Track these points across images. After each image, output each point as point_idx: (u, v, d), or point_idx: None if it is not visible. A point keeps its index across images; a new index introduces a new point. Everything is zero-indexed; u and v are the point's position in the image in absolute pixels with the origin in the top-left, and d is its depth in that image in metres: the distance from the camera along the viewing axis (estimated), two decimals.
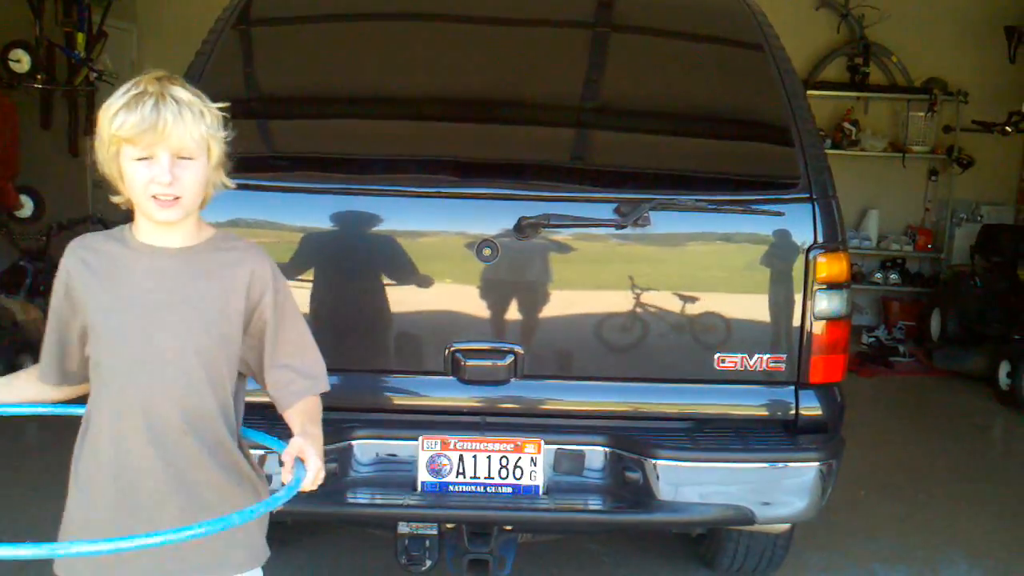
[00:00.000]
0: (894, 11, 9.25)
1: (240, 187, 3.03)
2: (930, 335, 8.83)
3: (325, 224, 3.08)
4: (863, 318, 9.56)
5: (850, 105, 9.68)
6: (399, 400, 3.18)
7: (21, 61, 7.12)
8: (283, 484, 1.96)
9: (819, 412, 3.19)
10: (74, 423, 2.20)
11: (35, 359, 6.43)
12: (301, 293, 3.09)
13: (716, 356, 3.14)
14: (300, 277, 3.09)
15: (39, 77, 7.40)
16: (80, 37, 7.89)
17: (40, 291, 6.97)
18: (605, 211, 3.03)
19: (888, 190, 9.80)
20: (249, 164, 3.19)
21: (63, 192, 8.34)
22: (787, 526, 3.60)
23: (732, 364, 3.14)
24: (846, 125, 9.56)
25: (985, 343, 7.94)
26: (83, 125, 8.35)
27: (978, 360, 7.82)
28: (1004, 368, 7.32)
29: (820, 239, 3.09)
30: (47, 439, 5.74)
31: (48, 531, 2.24)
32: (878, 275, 9.69)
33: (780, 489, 3.13)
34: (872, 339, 8.96)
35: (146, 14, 9.61)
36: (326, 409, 3.13)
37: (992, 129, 8.88)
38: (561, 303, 3.12)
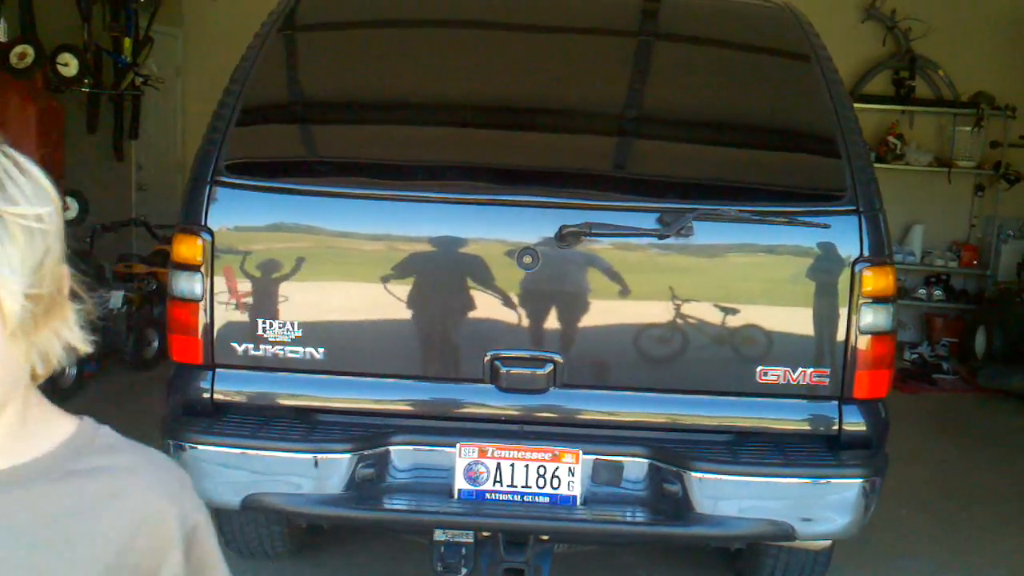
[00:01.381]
0: (941, 24, 9.14)
1: (283, 191, 3.10)
2: (974, 353, 8.69)
3: (366, 229, 3.09)
4: (906, 334, 9.43)
5: (895, 119, 9.57)
6: (437, 407, 3.17)
7: (69, 65, 7.20)
8: None
9: (863, 428, 3.14)
10: None
11: (77, 359, 6.57)
12: (344, 297, 3.11)
13: (758, 369, 3.10)
14: (343, 281, 3.10)
15: (86, 81, 7.49)
16: (127, 42, 7.98)
17: None
18: (647, 220, 3.00)
19: (933, 205, 9.67)
20: (292, 169, 3.23)
21: (108, 195, 8.44)
22: (827, 543, 3.55)
23: (775, 377, 3.10)
24: (891, 139, 9.45)
25: None
26: (128, 130, 8.46)
27: (1023, 379, 7.68)
28: None
29: (866, 252, 3.05)
30: None
31: None
32: (922, 291, 9.56)
33: (822, 505, 3.08)
34: (915, 356, 8.84)
35: (192, 19, 9.72)
36: (366, 414, 3.17)
37: None
38: (601, 312, 3.10)
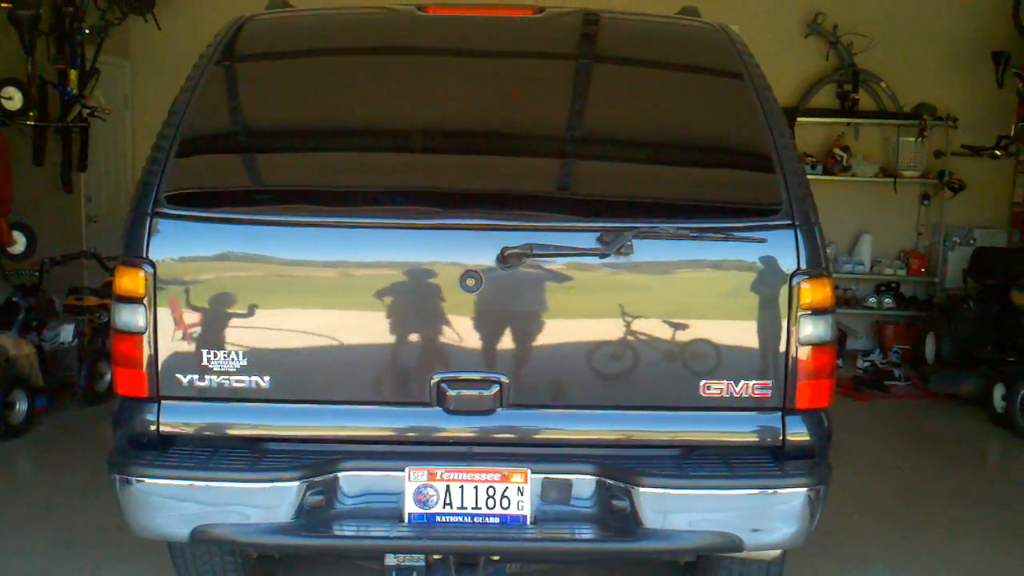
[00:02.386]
0: (882, 38, 9.34)
1: (224, 220, 3.10)
2: (925, 359, 8.84)
3: (309, 257, 3.09)
4: (858, 342, 9.57)
5: (841, 131, 9.75)
6: (385, 431, 3.17)
7: (13, 98, 7.16)
8: None
9: (806, 438, 3.17)
10: None
11: (28, 394, 6.45)
12: (289, 325, 3.11)
13: (702, 383, 3.13)
14: (287, 309, 3.10)
15: (31, 114, 7.44)
16: (73, 74, 7.94)
17: (33, 327, 6.97)
18: (588, 240, 3.03)
19: (881, 215, 9.85)
20: (234, 198, 3.23)
21: (57, 228, 8.38)
22: (778, 552, 3.58)
23: (718, 391, 3.13)
24: (837, 151, 9.62)
25: (980, 366, 7.95)
26: (77, 162, 8.40)
27: (973, 383, 7.82)
28: (999, 391, 7.32)
29: (803, 265, 3.10)
30: None
31: None
32: (872, 300, 9.72)
33: (768, 516, 3.11)
34: (867, 363, 8.97)
35: (139, 50, 9.69)
36: (314, 441, 3.16)
37: (982, 153, 8.95)
38: (546, 332, 3.12)
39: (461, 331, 3.09)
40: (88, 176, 9.00)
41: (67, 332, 7.11)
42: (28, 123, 7.52)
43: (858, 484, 5.89)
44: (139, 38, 9.63)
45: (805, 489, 3.10)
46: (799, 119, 9.40)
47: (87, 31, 8.06)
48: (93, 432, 6.51)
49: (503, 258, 3.00)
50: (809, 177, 9.70)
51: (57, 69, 7.95)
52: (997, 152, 8.88)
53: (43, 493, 5.48)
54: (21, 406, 6.47)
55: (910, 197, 9.80)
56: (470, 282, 3.03)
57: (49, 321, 7.12)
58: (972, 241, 9.45)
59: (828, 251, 9.67)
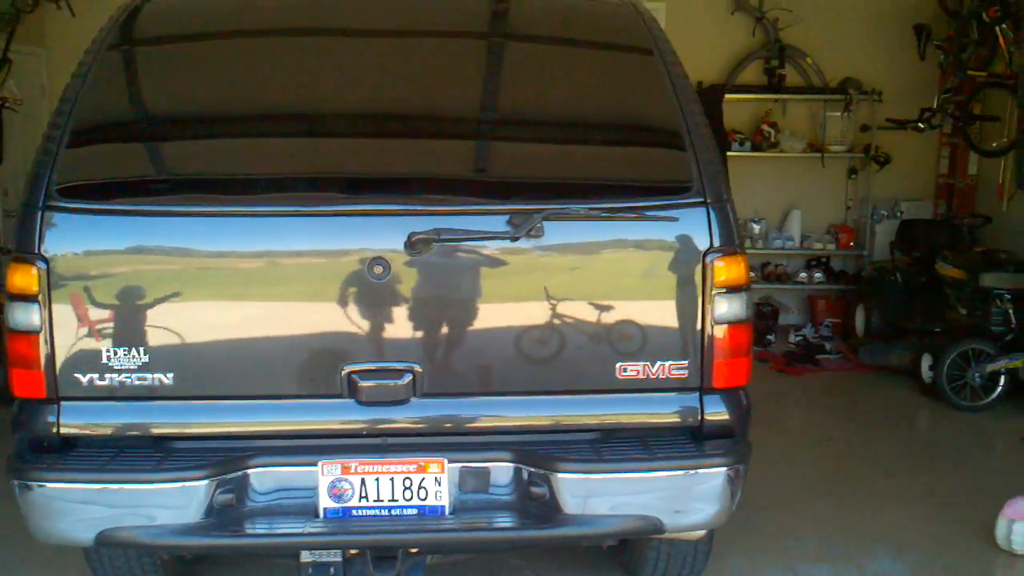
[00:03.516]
0: (806, 14, 9.37)
1: (119, 212, 2.98)
2: (855, 331, 8.93)
3: (210, 248, 2.99)
4: (790, 317, 9.64)
5: (769, 107, 9.78)
6: (296, 425, 3.09)
7: None
8: None
9: (725, 417, 3.16)
10: None
11: None
12: (192, 319, 3.01)
13: (619, 365, 3.10)
14: (190, 302, 3.00)
15: None
16: None
17: None
18: (498, 223, 2.97)
19: (809, 190, 9.92)
20: (130, 189, 3.12)
21: None
22: (704, 532, 3.56)
23: (635, 372, 3.10)
24: (765, 127, 9.65)
25: (908, 337, 8.06)
26: None
27: (901, 354, 7.93)
28: (926, 361, 7.42)
29: (717, 243, 3.07)
30: None
31: None
32: (803, 274, 9.79)
33: (688, 497, 3.10)
34: (799, 337, 9.05)
35: (54, 38, 9.38)
36: (222, 437, 3.08)
37: (906, 126, 9.03)
38: (458, 319, 3.06)
39: (371, 320, 3.02)
40: (3, 169, 8.70)
41: None
42: None
43: (790, 456, 5.93)
44: (53, 25, 9.32)
45: (725, 468, 3.09)
46: (728, 95, 9.41)
47: None
48: (6, 433, 6.30)
49: (411, 244, 2.93)
50: (738, 154, 9.73)
51: None
52: (921, 125, 8.96)
53: None
54: None
55: (838, 172, 9.88)
56: (378, 269, 2.96)
57: None
58: (899, 214, 9.55)
59: (758, 227, 9.73)
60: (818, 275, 9.70)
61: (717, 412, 3.15)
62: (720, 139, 8.40)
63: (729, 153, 9.14)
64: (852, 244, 9.79)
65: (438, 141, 3.30)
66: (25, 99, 8.50)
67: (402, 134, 3.29)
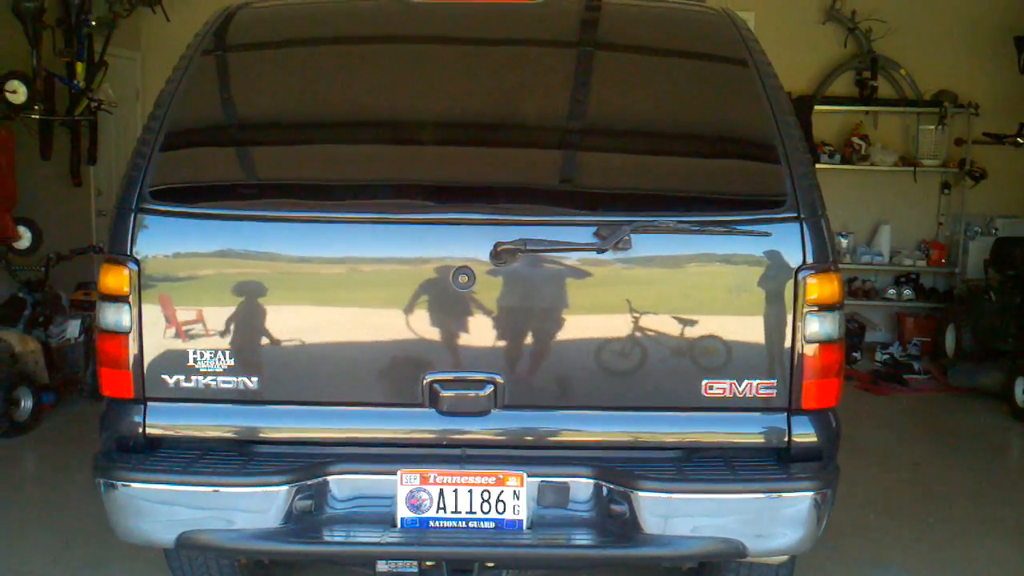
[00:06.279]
0: (901, 24, 9.15)
1: (210, 216, 3.01)
2: (945, 351, 8.67)
3: (298, 253, 2.99)
4: (877, 335, 9.41)
5: (859, 119, 9.58)
6: (376, 433, 3.07)
7: (17, 92, 7.10)
8: None
9: (813, 439, 3.05)
10: None
11: (33, 391, 6.39)
12: (278, 324, 3.02)
13: (704, 382, 3.02)
14: (276, 307, 3.01)
15: (36, 108, 7.38)
16: (80, 67, 7.86)
17: (39, 322, 6.93)
18: (584, 234, 2.92)
19: (900, 205, 9.68)
20: (221, 193, 3.14)
21: (66, 222, 8.33)
22: (786, 556, 3.46)
23: (721, 391, 3.02)
24: (855, 140, 9.45)
25: (1001, 359, 7.78)
26: (85, 155, 8.34)
27: (994, 376, 7.66)
28: (1020, 384, 7.17)
29: (810, 259, 2.97)
30: None
31: None
32: (891, 291, 9.55)
33: (773, 521, 3.00)
34: (886, 356, 8.81)
35: (149, 42, 9.62)
36: (303, 443, 3.08)
37: (1004, 141, 8.75)
38: (541, 330, 3.01)
39: (454, 330, 2.99)
40: (98, 170, 8.94)
41: (73, 328, 7.06)
42: (33, 117, 7.45)
43: (874, 481, 5.76)
44: (149, 30, 9.56)
45: (812, 493, 2.98)
46: (817, 107, 9.23)
47: (94, 23, 7.97)
48: (97, 430, 6.45)
49: (496, 254, 2.90)
50: (827, 166, 9.55)
51: (64, 62, 7.88)
52: (1019, 140, 8.67)
53: (46, 491, 5.43)
54: (26, 403, 6.43)
55: (930, 186, 9.62)
56: (463, 279, 2.93)
57: (56, 317, 7.08)
58: (994, 231, 9.24)
59: (846, 241, 9.52)
60: (907, 292, 9.45)
61: (805, 434, 3.05)
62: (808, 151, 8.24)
63: (817, 165, 8.94)
64: (944, 261, 9.52)
65: (526, 150, 3.26)
66: (120, 102, 8.73)
67: (491, 143, 3.26)
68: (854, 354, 8.75)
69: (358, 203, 3.05)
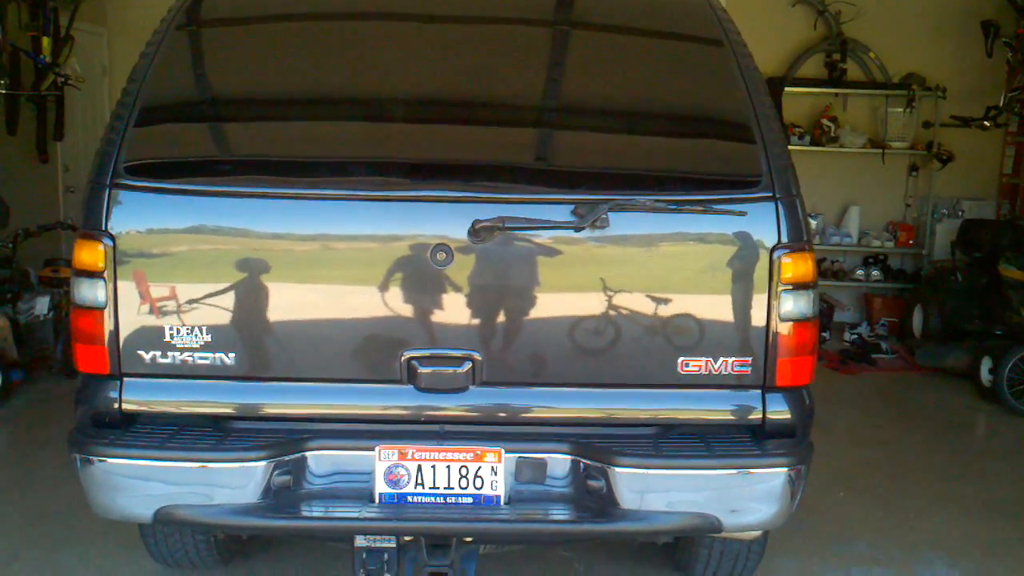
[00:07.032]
0: (870, 7, 9.21)
1: (185, 192, 2.99)
2: (912, 331, 8.78)
3: (274, 230, 2.99)
4: (845, 315, 9.51)
5: (829, 102, 9.64)
6: (354, 409, 3.08)
7: None
8: None
9: (787, 416, 3.10)
10: None
11: (3, 368, 6.30)
12: (255, 300, 3.01)
13: (680, 360, 3.05)
14: (253, 283, 3.00)
15: (2, 82, 7.28)
16: (46, 41, 7.75)
17: (7, 299, 6.85)
18: (562, 213, 2.94)
19: (869, 186, 9.76)
20: (196, 169, 3.12)
21: (33, 198, 8.23)
22: (759, 532, 3.51)
23: (697, 368, 3.05)
24: (825, 122, 9.51)
25: (967, 339, 7.89)
26: (52, 131, 8.24)
27: (960, 356, 7.76)
28: (986, 364, 7.27)
29: (784, 238, 3.01)
30: None
31: None
32: (860, 272, 9.64)
33: (748, 496, 3.05)
34: (854, 336, 8.91)
35: (115, 17, 9.50)
36: (281, 419, 3.09)
37: (971, 124, 8.84)
38: (519, 308, 3.03)
39: (432, 307, 3.00)
40: (65, 146, 8.83)
41: (42, 304, 6.99)
42: None
43: (843, 459, 5.84)
44: (115, 4, 9.44)
45: (785, 469, 3.03)
46: (787, 89, 9.28)
47: None
48: (69, 407, 6.40)
49: (474, 231, 2.91)
50: (797, 148, 9.58)
51: (30, 36, 7.77)
52: (986, 123, 8.76)
53: (16, 469, 5.39)
54: None
55: (898, 168, 9.71)
56: (440, 256, 2.94)
57: (24, 293, 7.00)
58: (960, 213, 9.37)
59: (815, 223, 9.58)
60: (875, 273, 9.55)
61: (779, 411, 3.09)
62: None
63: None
64: (911, 242, 9.63)
65: (504, 129, 3.27)
66: (86, 78, 8.61)
67: (468, 121, 3.26)
68: (823, 334, 8.84)
69: (336, 180, 3.04)
